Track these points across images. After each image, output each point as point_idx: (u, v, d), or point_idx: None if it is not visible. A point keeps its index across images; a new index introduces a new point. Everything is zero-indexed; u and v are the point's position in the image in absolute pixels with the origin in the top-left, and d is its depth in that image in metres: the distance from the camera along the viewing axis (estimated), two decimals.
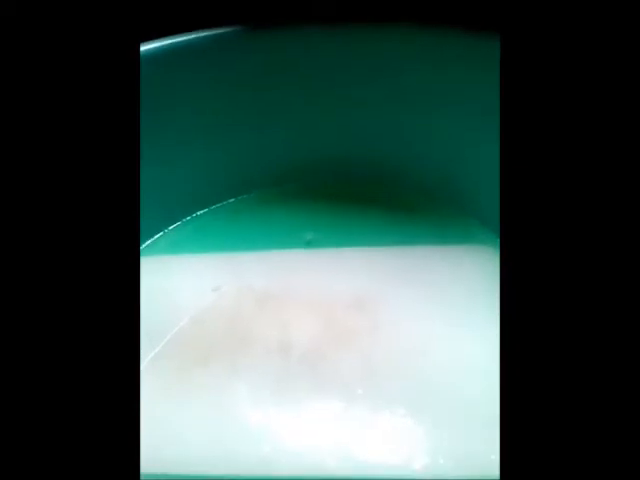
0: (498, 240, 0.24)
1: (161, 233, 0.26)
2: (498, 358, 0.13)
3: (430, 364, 0.21)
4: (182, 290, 0.24)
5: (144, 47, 0.21)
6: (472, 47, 0.22)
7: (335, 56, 0.24)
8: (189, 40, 0.22)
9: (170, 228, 0.27)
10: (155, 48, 0.21)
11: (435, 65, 0.23)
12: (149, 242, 0.26)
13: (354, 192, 0.27)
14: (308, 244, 0.26)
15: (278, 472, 0.18)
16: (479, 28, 0.21)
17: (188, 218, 0.27)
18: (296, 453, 0.19)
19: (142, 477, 0.13)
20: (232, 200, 0.28)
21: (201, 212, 0.27)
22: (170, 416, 0.20)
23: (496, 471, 0.15)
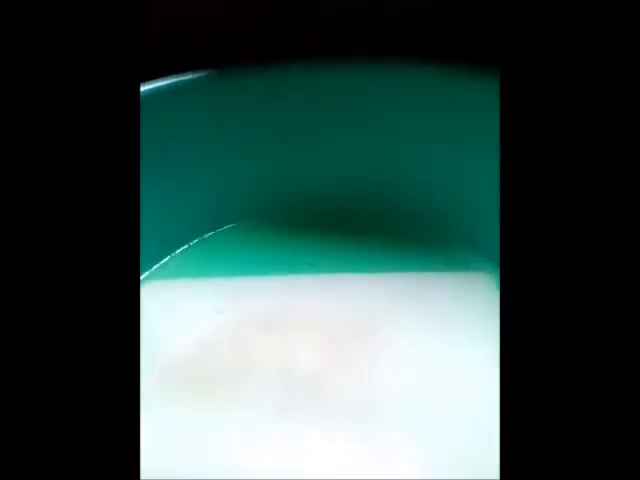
0: (496, 268, 0.25)
1: (167, 258, 0.27)
2: (498, 383, 0.13)
3: (430, 390, 0.21)
4: (184, 314, 0.24)
5: (144, 87, 0.21)
6: (472, 82, 0.22)
7: (335, 90, 0.25)
8: (184, 80, 0.23)
9: (174, 253, 0.27)
10: (154, 88, 0.22)
11: (434, 100, 0.24)
12: (155, 267, 0.26)
13: (355, 220, 0.28)
14: (310, 266, 0.26)
15: None
16: (479, 64, 0.22)
17: (191, 243, 0.27)
18: (293, 472, 0.19)
19: None
20: (235, 225, 0.28)
21: (204, 237, 0.28)
22: (170, 441, 0.20)
23: None
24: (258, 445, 0.20)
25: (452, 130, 0.24)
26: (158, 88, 0.22)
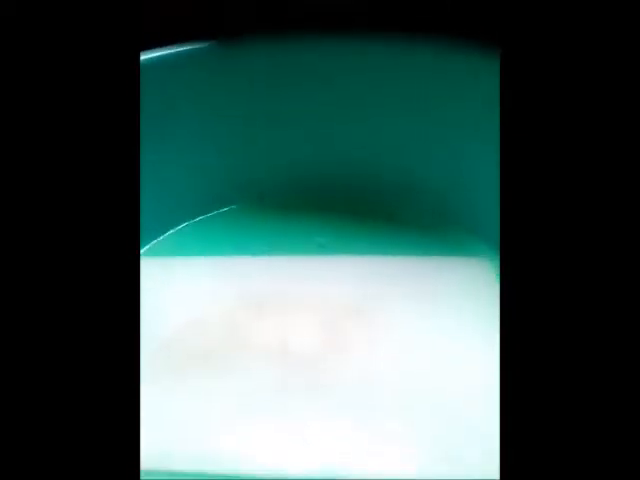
0: (495, 253, 0.24)
1: (164, 235, 0.27)
2: (495, 367, 0.13)
3: (427, 374, 0.21)
4: (182, 292, 0.24)
5: (144, 56, 0.21)
6: (472, 59, 0.22)
7: (339, 66, 0.24)
8: (188, 50, 0.22)
9: (172, 231, 0.27)
10: (155, 57, 0.21)
11: (435, 77, 0.23)
12: (153, 243, 0.26)
13: (355, 202, 0.27)
14: (311, 248, 0.26)
15: (272, 474, 0.18)
16: (480, 42, 0.21)
17: (190, 222, 0.27)
18: (291, 456, 0.19)
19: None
20: (232, 207, 0.28)
21: (204, 216, 0.27)
22: (166, 415, 0.20)
23: (494, 476, 0.15)
24: (252, 423, 0.20)
25: (452, 110, 0.24)
26: (158, 57, 0.22)
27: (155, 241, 0.26)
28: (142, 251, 0.26)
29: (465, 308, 0.23)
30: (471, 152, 0.24)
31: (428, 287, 0.24)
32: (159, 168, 0.25)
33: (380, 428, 0.19)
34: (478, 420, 0.19)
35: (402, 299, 0.23)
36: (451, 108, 0.24)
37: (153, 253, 0.26)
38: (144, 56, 0.21)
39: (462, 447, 0.19)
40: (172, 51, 0.22)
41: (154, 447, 0.19)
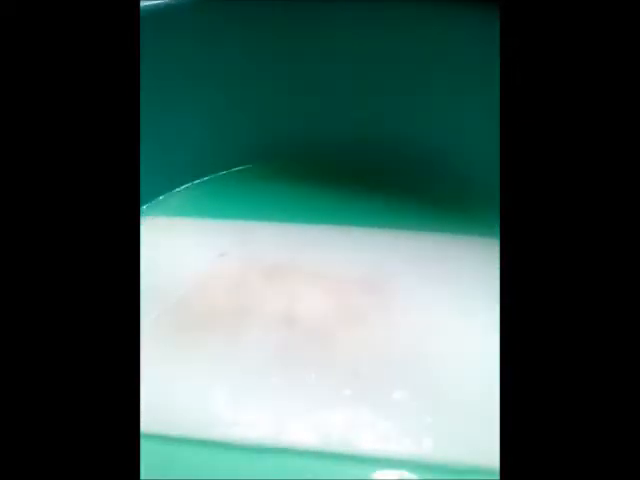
0: None
1: (167, 194, 0.26)
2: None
3: (435, 348, 0.21)
4: (186, 253, 0.24)
5: (144, 3, 0.19)
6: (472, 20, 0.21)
7: (339, 27, 0.23)
8: (187, 1, 0.20)
9: (177, 189, 0.26)
10: (153, 7, 0.19)
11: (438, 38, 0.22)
12: (155, 201, 0.26)
13: (371, 173, 0.26)
14: (321, 216, 0.25)
15: (275, 443, 0.18)
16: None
17: (196, 182, 0.26)
18: (294, 426, 0.19)
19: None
20: (244, 167, 0.27)
21: (210, 177, 0.27)
22: (168, 378, 0.20)
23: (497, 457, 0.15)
24: (256, 389, 0.19)
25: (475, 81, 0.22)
26: (157, 6, 0.20)
27: (160, 198, 0.26)
28: (143, 208, 0.25)
29: (479, 285, 0.22)
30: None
31: (442, 263, 0.23)
32: (165, 122, 0.24)
33: (384, 402, 0.19)
34: (485, 397, 0.19)
35: (415, 274, 0.23)
36: (464, 69, 0.23)
37: (157, 211, 0.25)
38: (144, 3, 0.19)
39: (468, 426, 0.19)
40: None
41: (155, 411, 0.19)
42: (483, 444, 0.18)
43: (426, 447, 0.18)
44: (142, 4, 0.19)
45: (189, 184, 0.26)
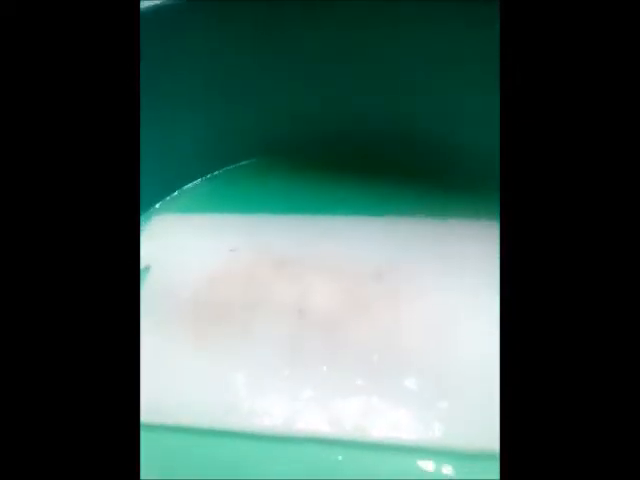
0: None
1: (178, 192, 0.26)
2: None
3: (445, 336, 0.21)
4: (199, 249, 0.24)
5: (144, 4, 0.19)
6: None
7: (340, 22, 0.23)
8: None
9: (187, 186, 0.26)
10: (156, 6, 0.20)
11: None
12: (167, 199, 0.26)
13: (376, 161, 0.26)
14: (330, 207, 0.25)
15: (289, 431, 0.19)
16: None
17: (205, 177, 0.27)
18: (308, 414, 0.19)
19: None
20: (252, 161, 0.27)
21: (219, 172, 0.27)
22: (185, 371, 0.20)
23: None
24: (268, 380, 0.20)
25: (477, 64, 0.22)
26: (162, 6, 0.20)
27: (169, 197, 0.26)
28: (157, 206, 0.26)
29: (489, 271, 0.21)
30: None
31: (452, 249, 0.23)
32: (172, 120, 0.24)
33: (395, 390, 0.19)
34: (495, 384, 0.19)
35: (425, 261, 0.23)
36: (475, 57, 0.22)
37: (168, 209, 0.26)
38: (144, 4, 0.19)
39: (479, 412, 0.19)
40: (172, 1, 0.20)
41: (173, 403, 0.19)
42: (494, 430, 0.17)
43: (438, 433, 0.18)
44: (142, 5, 0.19)
45: (198, 180, 0.26)
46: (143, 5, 0.19)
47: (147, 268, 0.23)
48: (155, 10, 0.20)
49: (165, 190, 0.26)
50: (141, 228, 0.25)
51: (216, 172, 0.27)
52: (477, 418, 0.18)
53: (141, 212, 0.25)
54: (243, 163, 0.27)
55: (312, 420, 0.19)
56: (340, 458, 0.18)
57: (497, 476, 0.12)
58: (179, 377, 0.20)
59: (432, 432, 0.18)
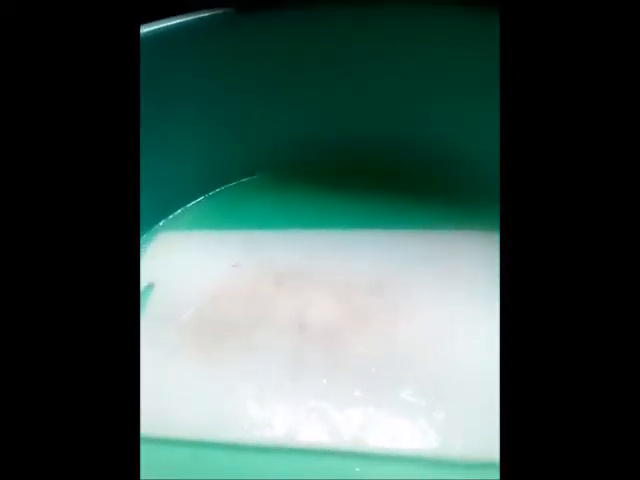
0: None
1: (181, 209, 0.27)
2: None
3: (444, 348, 0.21)
4: (202, 266, 0.24)
5: (144, 29, 0.20)
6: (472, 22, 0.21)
7: (340, 36, 0.23)
8: (189, 22, 0.21)
9: (189, 205, 0.27)
10: (156, 30, 0.20)
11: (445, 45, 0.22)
12: (170, 217, 0.26)
13: (375, 174, 0.27)
14: (330, 222, 0.25)
15: (290, 443, 0.19)
16: (478, 3, 0.20)
17: (207, 195, 0.27)
18: (309, 426, 0.19)
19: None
20: (252, 177, 0.28)
21: (220, 189, 0.27)
22: (188, 386, 0.20)
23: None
24: (271, 395, 0.20)
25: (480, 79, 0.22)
26: (161, 30, 0.21)
27: (172, 215, 0.26)
28: (160, 224, 0.26)
29: (487, 283, 0.22)
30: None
31: (450, 261, 0.23)
32: (174, 140, 0.24)
33: (393, 402, 0.19)
34: (497, 400, 0.19)
35: (423, 274, 0.23)
36: (477, 71, 0.23)
37: (171, 226, 0.26)
38: (144, 29, 0.20)
39: (477, 423, 0.19)
40: (171, 23, 0.21)
41: (175, 417, 0.20)
42: (493, 439, 0.17)
43: (436, 444, 0.18)
44: (142, 30, 0.20)
45: (200, 198, 0.27)
46: (143, 28, 0.20)
47: (151, 285, 0.24)
48: (155, 33, 0.21)
49: (168, 208, 0.26)
50: (144, 246, 0.25)
51: (218, 189, 0.27)
52: (475, 428, 0.19)
53: (144, 230, 0.25)
54: (244, 180, 0.28)
55: (313, 431, 0.19)
56: (340, 469, 0.18)
57: None
58: (181, 391, 0.20)
59: (431, 442, 0.18)
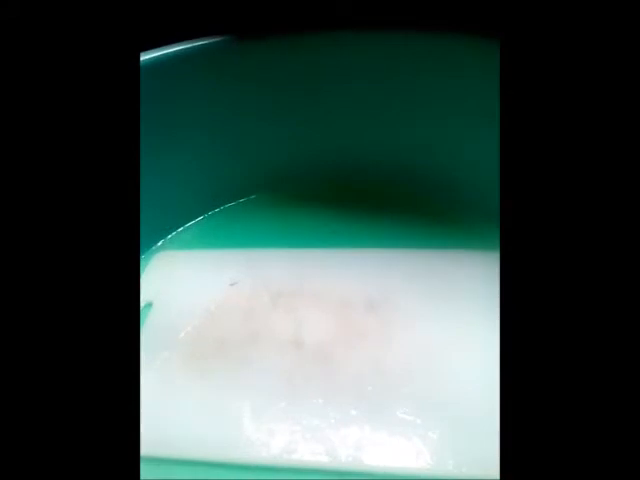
0: None
1: (180, 229, 0.27)
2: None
3: (438, 366, 0.21)
4: (200, 284, 0.25)
5: (144, 56, 0.21)
6: (473, 51, 0.21)
7: (340, 62, 0.24)
8: (188, 49, 0.22)
9: (188, 224, 0.27)
10: (155, 57, 0.21)
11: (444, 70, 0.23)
12: (170, 237, 0.27)
13: (371, 195, 0.27)
14: (325, 240, 0.26)
15: (286, 462, 0.19)
16: (479, 33, 0.21)
17: (206, 215, 0.28)
18: (305, 445, 0.19)
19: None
20: (251, 198, 0.28)
21: (219, 209, 0.28)
22: (184, 405, 0.21)
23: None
24: (266, 412, 0.20)
25: (475, 103, 0.23)
26: (161, 57, 0.21)
27: (172, 234, 0.27)
28: (159, 244, 0.26)
29: (481, 301, 0.22)
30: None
31: (444, 280, 0.23)
32: (175, 162, 0.25)
33: (389, 420, 0.20)
34: (494, 416, 0.18)
35: (417, 292, 0.23)
36: (471, 95, 0.23)
37: (171, 246, 0.26)
38: (144, 56, 0.21)
39: (472, 441, 0.19)
40: (170, 50, 0.22)
41: (172, 437, 0.20)
42: (487, 458, 0.18)
43: (432, 462, 0.18)
44: (142, 58, 0.21)
45: (200, 218, 0.27)
46: (144, 55, 0.21)
47: (150, 303, 0.24)
48: (155, 59, 0.21)
49: (168, 228, 0.27)
50: (145, 265, 0.25)
51: (217, 209, 0.28)
52: (471, 446, 0.19)
53: (144, 250, 0.26)
54: (242, 200, 0.28)
55: (309, 451, 0.19)
56: None
57: None
58: (179, 409, 0.20)
59: (427, 461, 0.18)
